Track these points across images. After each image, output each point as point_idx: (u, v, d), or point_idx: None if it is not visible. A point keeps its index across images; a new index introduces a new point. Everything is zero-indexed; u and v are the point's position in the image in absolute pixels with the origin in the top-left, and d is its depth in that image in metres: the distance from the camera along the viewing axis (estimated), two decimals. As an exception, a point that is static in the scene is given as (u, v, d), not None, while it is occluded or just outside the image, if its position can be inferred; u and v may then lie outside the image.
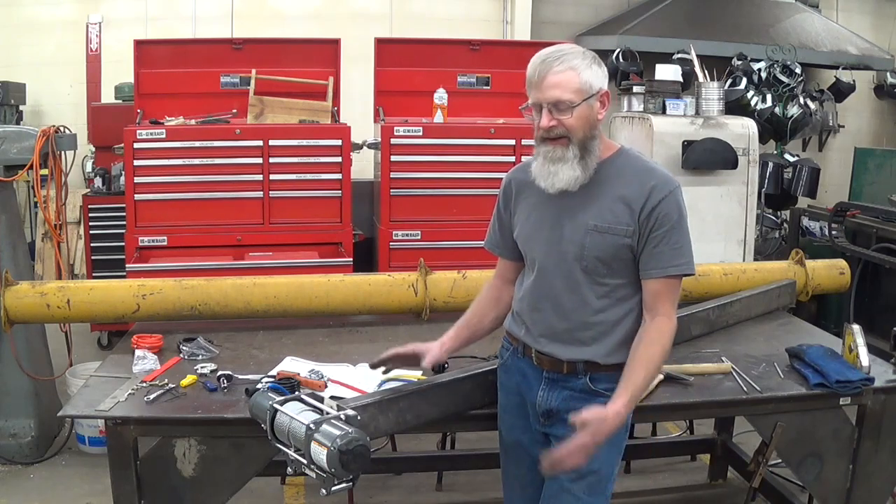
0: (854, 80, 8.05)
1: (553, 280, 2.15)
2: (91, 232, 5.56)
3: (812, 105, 7.32)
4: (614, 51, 7.37)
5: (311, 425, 1.88)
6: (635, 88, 5.34)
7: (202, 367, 2.68)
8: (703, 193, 4.83)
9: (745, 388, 2.63)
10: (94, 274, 5.49)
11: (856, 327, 2.80)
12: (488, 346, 2.49)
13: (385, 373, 2.45)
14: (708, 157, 4.83)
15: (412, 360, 2.35)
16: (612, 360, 2.12)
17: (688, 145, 4.83)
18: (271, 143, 4.67)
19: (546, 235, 2.16)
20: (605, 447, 2.13)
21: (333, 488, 1.88)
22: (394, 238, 4.88)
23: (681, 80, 5.43)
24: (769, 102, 7.12)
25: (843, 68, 7.94)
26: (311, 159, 4.73)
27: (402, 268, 3.86)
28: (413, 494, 3.77)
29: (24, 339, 3.83)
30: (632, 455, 3.73)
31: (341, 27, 7.05)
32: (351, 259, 4.69)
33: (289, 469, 2.04)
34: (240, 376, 2.62)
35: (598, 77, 2.05)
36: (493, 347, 2.46)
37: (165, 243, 4.61)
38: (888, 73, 8.45)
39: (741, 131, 4.96)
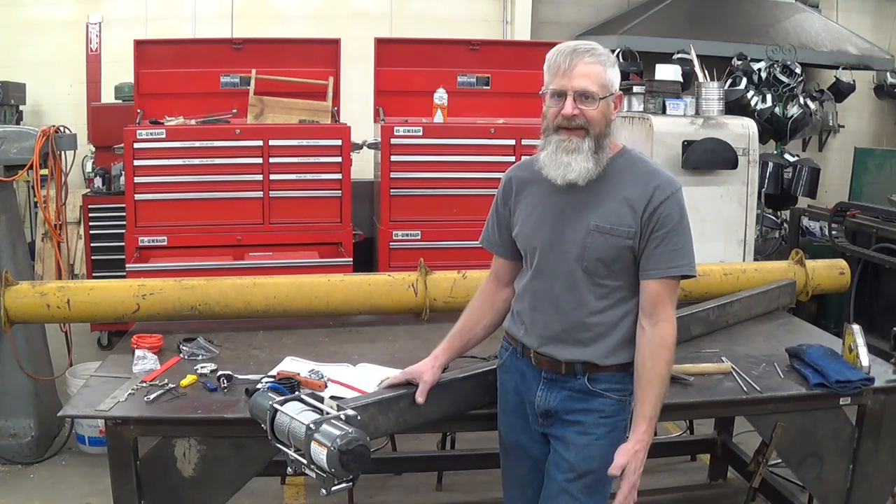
0: (854, 80, 8.05)
1: (553, 280, 2.14)
2: (91, 232, 5.56)
3: (812, 105, 7.33)
4: (614, 51, 7.36)
5: (311, 425, 1.88)
6: (635, 88, 5.32)
7: (202, 367, 2.68)
8: (703, 193, 4.82)
9: (745, 388, 2.63)
10: (94, 274, 5.49)
11: (856, 327, 2.80)
12: (488, 346, 2.48)
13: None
14: (708, 157, 4.83)
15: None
16: (610, 360, 2.13)
17: (688, 145, 4.82)
18: (271, 143, 4.67)
19: (547, 235, 2.15)
20: (603, 447, 2.14)
21: (333, 488, 1.88)
22: (394, 238, 4.88)
23: (681, 80, 5.42)
24: (769, 102, 7.12)
25: (843, 68, 7.95)
26: (311, 159, 4.74)
27: (402, 268, 3.85)
28: (413, 494, 3.77)
29: (24, 339, 3.83)
30: (632, 455, 3.73)
31: (341, 27, 7.05)
32: (351, 259, 4.70)
33: (289, 469, 2.04)
34: (240, 376, 2.62)
35: (617, 78, 2.10)
36: (493, 347, 2.46)
37: (165, 243, 4.61)
38: (888, 73, 8.46)
39: (741, 131, 4.94)
